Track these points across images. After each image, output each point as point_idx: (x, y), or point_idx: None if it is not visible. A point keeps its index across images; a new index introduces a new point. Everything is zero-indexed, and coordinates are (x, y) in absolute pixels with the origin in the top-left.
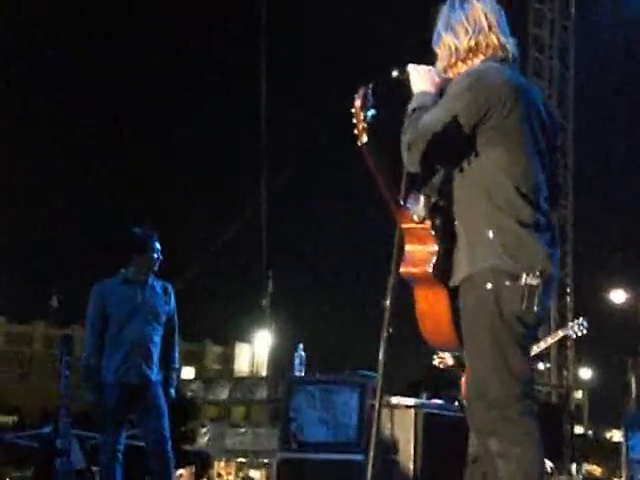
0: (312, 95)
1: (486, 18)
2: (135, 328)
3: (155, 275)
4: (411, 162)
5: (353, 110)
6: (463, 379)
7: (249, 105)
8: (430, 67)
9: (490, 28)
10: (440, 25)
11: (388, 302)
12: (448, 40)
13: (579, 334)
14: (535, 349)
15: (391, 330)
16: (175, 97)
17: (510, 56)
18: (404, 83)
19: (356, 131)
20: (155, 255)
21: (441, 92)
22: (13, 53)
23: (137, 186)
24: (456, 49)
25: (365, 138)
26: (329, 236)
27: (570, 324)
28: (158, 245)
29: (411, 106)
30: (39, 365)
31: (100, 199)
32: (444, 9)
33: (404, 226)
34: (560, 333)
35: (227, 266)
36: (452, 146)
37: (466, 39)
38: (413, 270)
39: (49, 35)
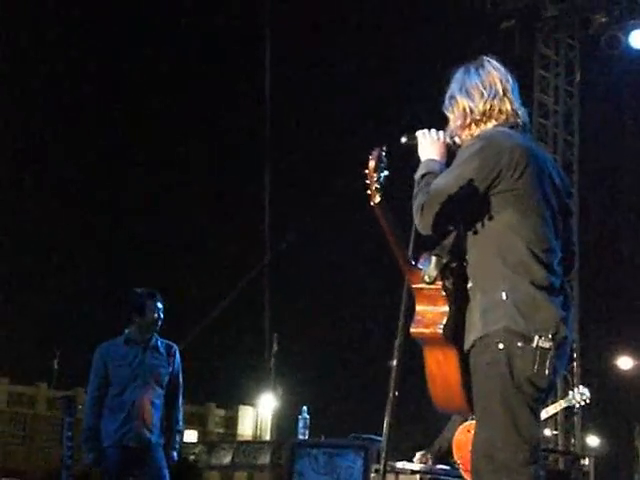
0: (318, 152)
1: (501, 84)
2: (135, 390)
3: (159, 335)
4: (423, 225)
5: (366, 170)
6: (455, 440)
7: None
8: (439, 132)
9: (504, 94)
10: (454, 88)
11: (395, 363)
12: (463, 102)
13: (582, 403)
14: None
15: (397, 393)
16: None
17: (521, 123)
18: (413, 149)
19: (369, 191)
20: (156, 315)
21: (448, 158)
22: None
23: (141, 245)
24: (471, 111)
25: (378, 198)
26: (335, 297)
27: (571, 393)
28: (160, 305)
29: (419, 172)
30: (42, 427)
31: (103, 259)
32: (458, 73)
33: (415, 286)
34: (563, 403)
35: (231, 328)
36: (464, 209)
37: (481, 102)
38: (424, 331)
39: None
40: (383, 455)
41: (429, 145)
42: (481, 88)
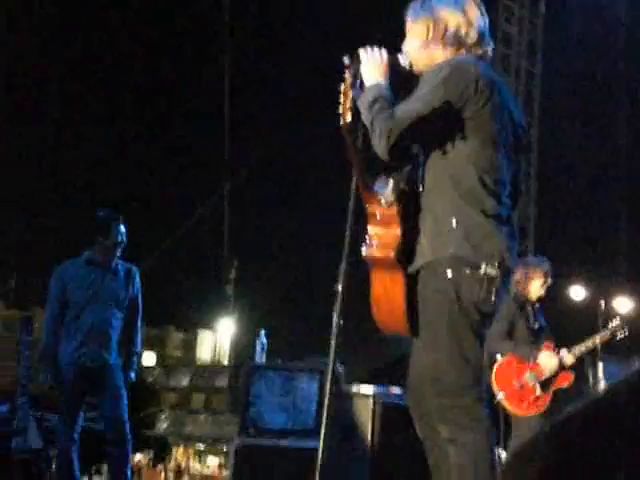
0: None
1: (472, 12)
2: (94, 311)
3: (120, 259)
4: (387, 150)
5: (342, 87)
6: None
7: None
8: (382, 51)
9: (474, 22)
10: (423, 6)
11: (340, 287)
12: (431, 20)
13: (622, 335)
14: (575, 353)
15: (341, 320)
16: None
17: (487, 55)
18: (356, 71)
19: (341, 110)
20: (119, 238)
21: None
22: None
23: (101, 169)
24: (441, 30)
25: (349, 117)
26: (293, 223)
27: (611, 325)
28: (123, 229)
29: (369, 96)
30: None
31: (62, 179)
32: None
33: (370, 208)
34: (602, 337)
35: (190, 252)
36: (429, 135)
37: (452, 24)
38: (376, 254)
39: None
40: (329, 379)
41: (374, 66)
42: (452, 9)
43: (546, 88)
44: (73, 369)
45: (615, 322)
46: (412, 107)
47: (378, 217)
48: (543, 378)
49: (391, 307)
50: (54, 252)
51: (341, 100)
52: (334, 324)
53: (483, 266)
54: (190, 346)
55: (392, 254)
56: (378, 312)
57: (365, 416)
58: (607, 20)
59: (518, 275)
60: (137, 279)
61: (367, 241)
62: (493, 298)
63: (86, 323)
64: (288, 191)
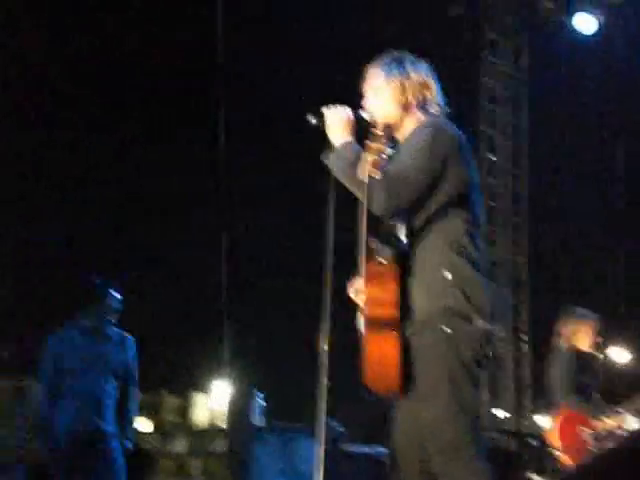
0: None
1: (430, 76)
2: (88, 379)
3: (114, 325)
4: (384, 209)
5: (372, 142)
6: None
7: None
8: (346, 108)
9: (431, 85)
10: (390, 68)
11: (325, 348)
12: (399, 81)
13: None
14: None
15: (328, 382)
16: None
17: (444, 111)
18: (320, 129)
19: (370, 158)
20: (113, 304)
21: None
22: None
23: (95, 234)
24: (416, 90)
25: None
26: (289, 282)
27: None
28: (117, 294)
29: (347, 156)
30: None
31: (55, 247)
32: (388, 59)
33: (368, 267)
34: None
35: (182, 315)
36: (419, 194)
37: (416, 86)
38: (381, 312)
39: None
40: (322, 442)
41: (342, 124)
42: (420, 71)
43: (534, 140)
44: (68, 437)
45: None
46: (405, 168)
47: (375, 276)
48: (603, 434)
49: (383, 364)
50: (47, 321)
51: (371, 149)
52: (321, 385)
53: (478, 319)
54: (185, 410)
55: (395, 311)
56: (369, 371)
57: (365, 476)
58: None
59: (569, 326)
60: (132, 346)
61: (368, 300)
62: (487, 350)
63: (80, 391)
64: (283, 261)
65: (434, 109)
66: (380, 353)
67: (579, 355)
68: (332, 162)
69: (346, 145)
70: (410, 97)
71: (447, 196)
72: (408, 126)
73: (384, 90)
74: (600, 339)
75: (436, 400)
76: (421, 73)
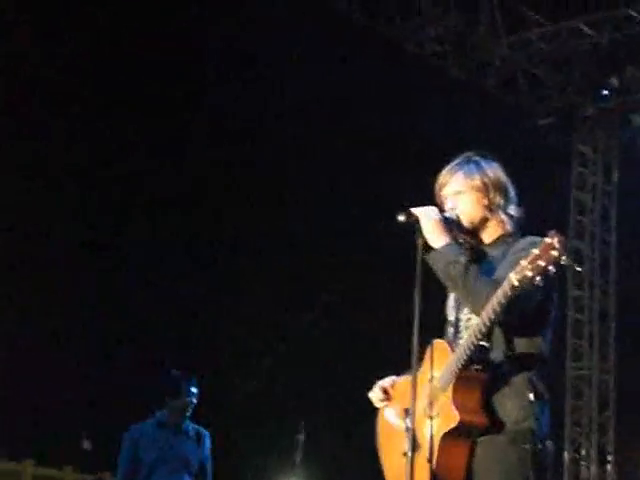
0: None
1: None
2: (164, 475)
3: (190, 420)
4: (479, 311)
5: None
6: None
7: None
8: (433, 209)
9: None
10: (472, 167)
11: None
12: (496, 177)
13: None
14: None
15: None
16: None
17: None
18: (411, 226)
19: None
20: (190, 399)
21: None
22: None
23: (171, 329)
24: (499, 190)
25: None
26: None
27: None
28: (195, 389)
29: (455, 258)
30: None
31: (133, 340)
32: (467, 161)
33: (462, 373)
34: None
35: (256, 412)
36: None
37: (505, 186)
38: (472, 419)
39: None
40: None
41: (437, 226)
42: (500, 172)
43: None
44: None
45: None
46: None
47: (464, 381)
48: None
49: (448, 468)
50: (126, 414)
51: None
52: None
53: (548, 443)
54: None
55: (486, 419)
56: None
57: None
58: None
59: None
60: (207, 442)
61: (457, 405)
62: (549, 472)
63: None
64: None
65: (514, 211)
66: (448, 461)
67: None
68: (435, 261)
69: (451, 247)
70: (492, 197)
71: (542, 318)
72: (492, 227)
73: (467, 193)
74: None
75: None
76: (498, 172)
